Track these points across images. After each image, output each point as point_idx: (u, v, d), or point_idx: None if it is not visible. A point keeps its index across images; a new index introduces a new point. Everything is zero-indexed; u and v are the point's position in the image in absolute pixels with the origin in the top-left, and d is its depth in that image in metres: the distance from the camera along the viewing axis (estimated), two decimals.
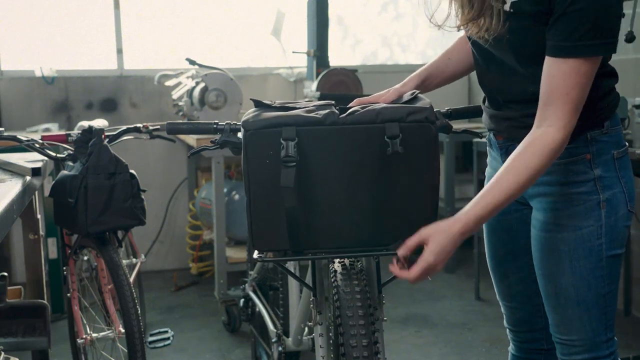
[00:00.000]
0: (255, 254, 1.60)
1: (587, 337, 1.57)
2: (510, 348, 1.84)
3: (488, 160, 1.74)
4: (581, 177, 1.53)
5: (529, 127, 1.55)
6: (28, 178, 2.08)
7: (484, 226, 1.78)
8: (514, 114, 1.57)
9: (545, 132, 1.43)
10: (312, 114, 1.49)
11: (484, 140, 1.77)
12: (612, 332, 1.60)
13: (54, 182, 2.26)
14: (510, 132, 1.60)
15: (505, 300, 1.80)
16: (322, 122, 1.48)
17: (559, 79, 1.41)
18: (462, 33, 1.68)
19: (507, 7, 1.45)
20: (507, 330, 1.83)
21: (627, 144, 1.59)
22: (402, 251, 1.46)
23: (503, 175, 1.44)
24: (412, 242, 1.45)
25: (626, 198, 1.55)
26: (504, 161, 1.64)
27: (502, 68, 1.55)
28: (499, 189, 1.44)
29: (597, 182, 1.53)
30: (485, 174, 1.77)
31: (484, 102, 1.69)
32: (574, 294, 1.56)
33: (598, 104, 1.51)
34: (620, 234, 1.55)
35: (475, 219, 1.44)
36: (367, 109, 1.51)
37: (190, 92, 3.80)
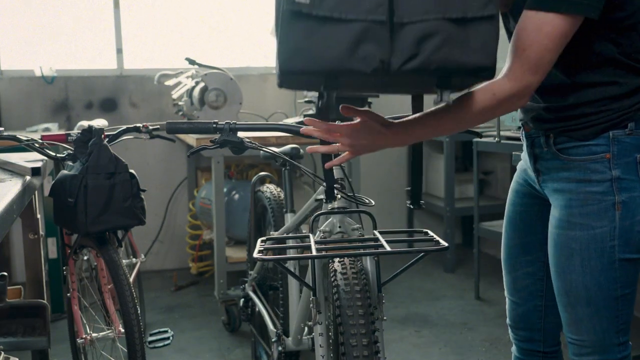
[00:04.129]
0: (256, 253, 1.60)
1: (597, 339, 1.56)
2: (513, 349, 1.85)
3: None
4: (598, 176, 1.51)
5: (550, 121, 1.54)
6: (28, 178, 2.08)
7: (505, 216, 1.79)
8: (536, 105, 1.57)
9: (496, 80, 1.40)
10: None
11: (484, 140, 1.76)
12: (626, 337, 1.58)
13: (53, 181, 2.25)
14: (534, 124, 1.59)
15: (510, 294, 1.81)
16: None
17: (523, 33, 1.39)
18: None
19: None
20: (509, 328, 1.84)
21: None
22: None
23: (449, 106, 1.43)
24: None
25: None
26: (529, 153, 1.63)
27: None
28: (439, 109, 1.43)
29: (615, 183, 1.49)
30: (517, 166, 1.76)
31: None
32: (584, 293, 1.55)
33: (623, 101, 1.48)
34: (636, 238, 1.51)
35: (404, 126, 1.44)
36: None
37: (190, 92, 3.80)
